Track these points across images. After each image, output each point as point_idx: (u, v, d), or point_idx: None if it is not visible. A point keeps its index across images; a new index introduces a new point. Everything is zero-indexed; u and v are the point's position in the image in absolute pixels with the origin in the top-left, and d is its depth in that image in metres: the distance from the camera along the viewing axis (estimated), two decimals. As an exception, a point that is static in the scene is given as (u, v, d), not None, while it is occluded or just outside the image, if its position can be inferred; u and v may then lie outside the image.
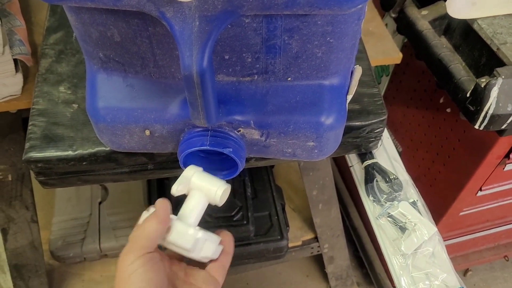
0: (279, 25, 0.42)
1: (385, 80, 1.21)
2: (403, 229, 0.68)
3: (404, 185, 0.72)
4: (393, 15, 0.90)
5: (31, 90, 0.68)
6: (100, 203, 1.19)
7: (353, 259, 1.47)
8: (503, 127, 0.74)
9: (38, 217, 0.94)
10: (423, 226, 0.67)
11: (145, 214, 0.46)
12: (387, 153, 0.76)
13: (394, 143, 1.22)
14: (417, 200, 0.71)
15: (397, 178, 0.72)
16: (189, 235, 0.45)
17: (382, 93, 1.23)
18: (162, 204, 0.45)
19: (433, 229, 0.67)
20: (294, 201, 1.30)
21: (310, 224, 1.22)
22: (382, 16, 1.01)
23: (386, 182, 0.72)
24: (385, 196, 0.71)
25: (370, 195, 0.72)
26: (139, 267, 0.41)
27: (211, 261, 0.49)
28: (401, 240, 0.67)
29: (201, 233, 0.45)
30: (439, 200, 1.07)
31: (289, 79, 0.49)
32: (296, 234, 1.23)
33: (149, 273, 0.42)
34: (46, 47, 0.69)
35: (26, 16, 0.79)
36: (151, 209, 0.46)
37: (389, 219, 0.70)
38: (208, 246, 0.47)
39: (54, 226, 1.14)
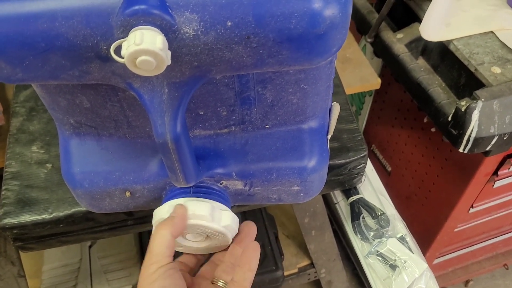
0: (251, 78, 0.42)
1: (368, 100, 1.21)
2: (393, 266, 0.67)
3: (391, 220, 0.71)
4: (369, 40, 0.90)
5: (4, 149, 0.66)
6: (90, 246, 1.17)
7: (353, 277, 1.46)
8: (487, 148, 0.73)
9: (27, 267, 0.91)
10: (413, 263, 0.66)
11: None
12: (372, 186, 0.76)
13: (382, 163, 1.21)
14: (405, 235, 0.70)
15: (384, 214, 0.71)
16: (204, 202, 0.45)
17: (367, 113, 1.23)
18: (180, 210, 0.44)
19: (424, 265, 0.66)
20: (288, 227, 1.28)
21: (305, 249, 1.21)
22: (358, 40, 1.02)
23: (373, 218, 0.71)
24: (372, 233, 0.70)
25: (358, 233, 0.71)
26: (160, 275, 0.42)
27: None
28: (392, 279, 0.66)
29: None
30: (432, 219, 1.07)
31: (267, 126, 0.48)
32: (292, 262, 1.21)
33: (169, 279, 0.42)
34: (16, 105, 0.68)
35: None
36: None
37: (378, 257, 0.68)
38: (227, 214, 0.46)
39: (45, 274, 1.11)
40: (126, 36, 0.31)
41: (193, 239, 0.49)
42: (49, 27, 0.32)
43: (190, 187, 0.48)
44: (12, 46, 0.32)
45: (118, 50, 0.31)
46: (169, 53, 0.32)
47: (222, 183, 0.49)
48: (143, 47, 0.30)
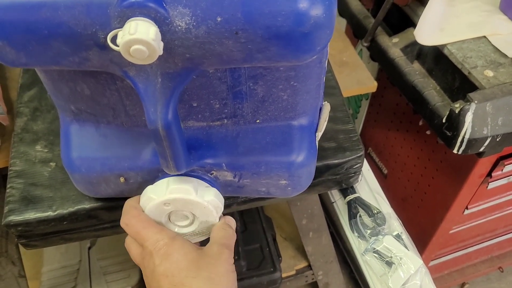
0: (243, 73, 0.44)
1: (365, 104, 1.23)
2: (389, 263, 0.68)
3: (387, 218, 0.72)
4: (365, 44, 0.92)
5: (9, 148, 0.68)
6: (89, 248, 1.17)
7: (350, 280, 1.46)
8: (481, 149, 0.75)
9: (27, 268, 0.92)
10: (408, 260, 0.67)
11: None
12: (368, 186, 0.77)
13: (379, 165, 1.23)
14: (401, 233, 0.71)
15: (380, 212, 0.72)
16: (188, 178, 0.48)
17: (363, 117, 1.25)
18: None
19: (419, 262, 0.67)
20: (285, 230, 1.29)
21: (302, 251, 1.21)
22: (355, 45, 1.04)
23: (370, 216, 0.73)
24: (369, 231, 0.71)
25: (355, 231, 0.73)
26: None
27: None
28: (388, 276, 0.67)
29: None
30: (428, 220, 1.08)
31: (258, 121, 0.50)
32: (289, 264, 1.22)
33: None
34: (20, 105, 0.69)
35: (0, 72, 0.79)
36: None
37: (375, 254, 0.70)
38: (211, 190, 0.49)
39: (44, 276, 1.11)
40: (122, 26, 0.33)
41: (180, 224, 0.51)
42: (52, 15, 0.34)
43: (181, 175, 0.50)
44: (17, 32, 0.34)
45: (114, 39, 0.34)
46: (162, 44, 0.34)
47: (213, 173, 0.51)
48: (137, 36, 0.32)
